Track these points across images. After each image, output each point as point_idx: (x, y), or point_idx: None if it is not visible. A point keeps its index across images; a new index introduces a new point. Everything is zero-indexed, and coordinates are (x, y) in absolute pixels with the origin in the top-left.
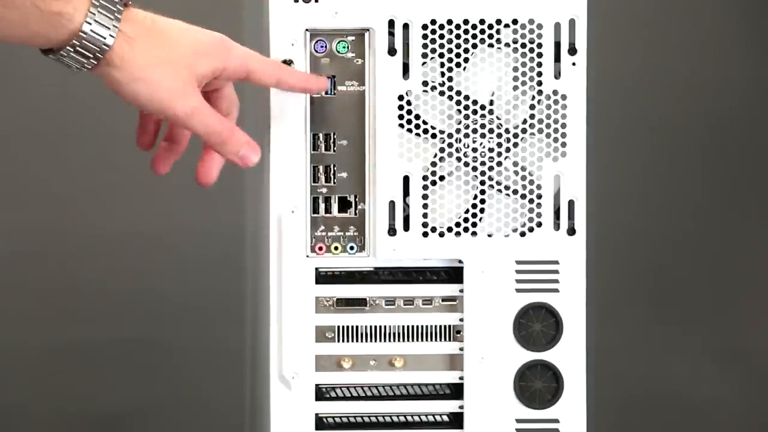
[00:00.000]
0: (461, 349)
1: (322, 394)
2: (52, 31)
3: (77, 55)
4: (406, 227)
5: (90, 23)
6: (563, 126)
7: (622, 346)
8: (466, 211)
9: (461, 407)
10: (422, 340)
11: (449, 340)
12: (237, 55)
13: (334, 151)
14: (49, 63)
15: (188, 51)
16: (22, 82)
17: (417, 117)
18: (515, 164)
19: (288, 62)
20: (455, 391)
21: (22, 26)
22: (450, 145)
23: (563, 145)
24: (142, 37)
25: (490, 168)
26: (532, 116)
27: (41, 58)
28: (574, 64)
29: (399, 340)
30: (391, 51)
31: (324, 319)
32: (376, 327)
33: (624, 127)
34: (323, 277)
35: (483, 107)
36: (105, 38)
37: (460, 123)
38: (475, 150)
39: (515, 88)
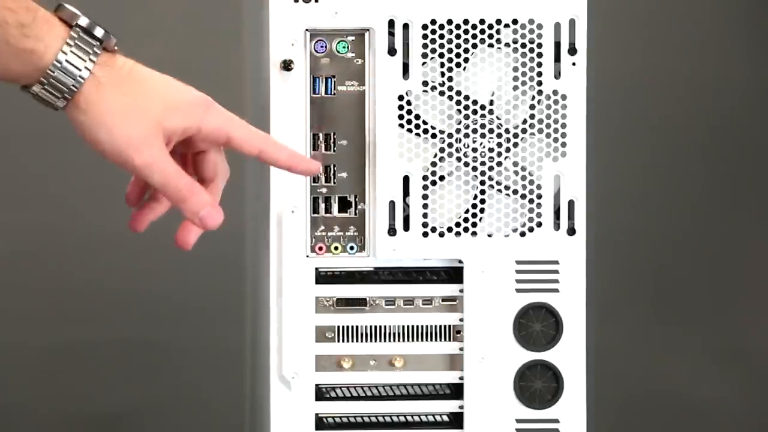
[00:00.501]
0: (461, 349)
1: (322, 394)
2: (22, 68)
3: (46, 93)
4: (406, 227)
5: (59, 63)
6: (563, 126)
7: (622, 346)
8: (466, 211)
9: (461, 407)
10: (422, 340)
11: (449, 340)
12: (216, 117)
13: (334, 151)
14: None
15: (160, 104)
16: None
17: (417, 117)
18: (515, 164)
19: (288, 62)
20: (455, 391)
21: None
22: (450, 145)
23: (563, 145)
24: (114, 84)
25: (490, 168)
26: (532, 116)
27: None
28: (574, 64)
29: (399, 340)
30: (391, 51)
31: (324, 319)
32: (376, 327)
33: (624, 127)
34: (323, 277)
35: (483, 107)
36: (74, 79)
37: (460, 123)
38: (475, 150)
39: (515, 88)
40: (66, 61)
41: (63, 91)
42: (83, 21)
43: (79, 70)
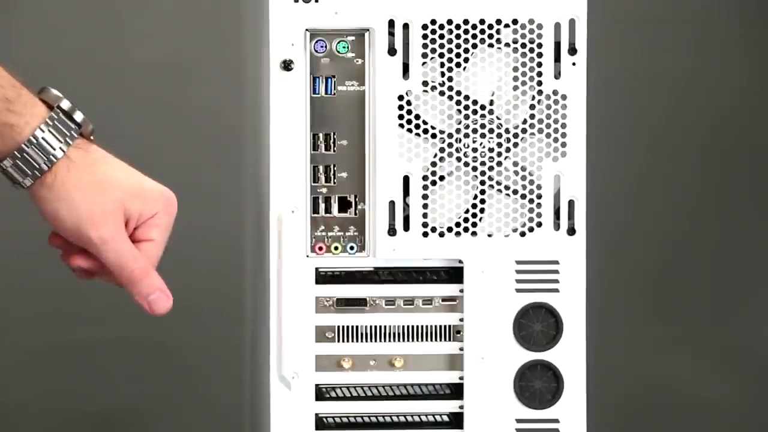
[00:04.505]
0: (461, 349)
1: (322, 394)
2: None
3: (15, 169)
4: (406, 227)
5: (34, 140)
6: (563, 126)
7: (622, 346)
8: (466, 211)
9: (461, 407)
10: (422, 340)
11: (449, 340)
12: (169, 214)
13: (334, 151)
14: (49, 65)
15: (125, 188)
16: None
17: (417, 117)
18: (515, 164)
19: (288, 62)
20: (455, 391)
21: None
22: (450, 145)
23: (563, 145)
24: (85, 165)
25: (490, 168)
26: (532, 116)
27: (41, 58)
28: (574, 64)
29: (399, 340)
30: (391, 51)
31: (324, 319)
32: (376, 327)
33: (624, 127)
34: (323, 277)
35: (483, 107)
36: (46, 158)
37: (460, 123)
38: (475, 150)
39: (515, 88)
40: (42, 138)
41: (33, 168)
42: (65, 104)
43: (53, 149)
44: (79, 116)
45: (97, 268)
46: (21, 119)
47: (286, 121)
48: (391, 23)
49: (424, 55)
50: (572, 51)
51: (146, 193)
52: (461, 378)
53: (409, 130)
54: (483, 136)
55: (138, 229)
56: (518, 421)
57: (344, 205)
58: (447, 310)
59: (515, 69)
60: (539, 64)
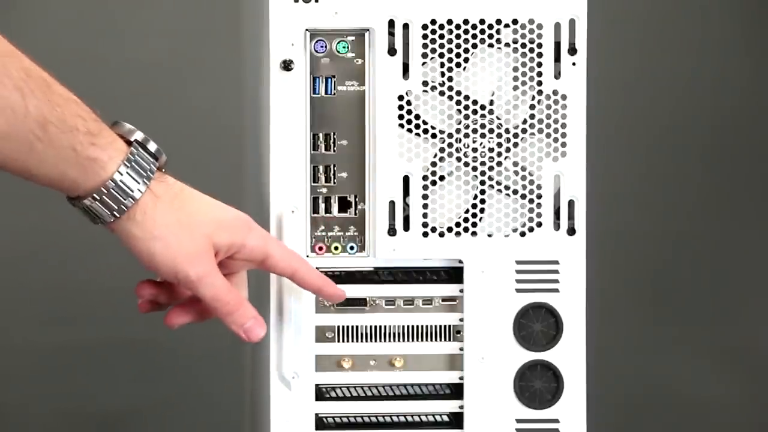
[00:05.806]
0: (461, 349)
1: (322, 394)
2: (82, 176)
3: (101, 204)
4: (406, 227)
5: (121, 174)
6: (563, 126)
7: (622, 346)
8: (466, 211)
9: (461, 407)
10: (422, 340)
11: (449, 340)
12: (258, 236)
13: (334, 151)
14: (48, 65)
15: (210, 220)
16: None
17: (417, 117)
18: (515, 164)
19: (288, 62)
20: (455, 391)
21: (52, 166)
22: (450, 145)
23: (563, 145)
24: (169, 199)
25: (490, 168)
26: (532, 116)
27: (40, 58)
28: (574, 64)
29: (399, 340)
30: (391, 51)
31: (324, 319)
32: (376, 327)
33: (624, 127)
34: None
35: (483, 107)
36: (132, 191)
37: (460, 123)
38: (475, 150)
39: (515, 88)
40: (127, 173)
41: (120, 202)
42: (140, 136)
43: (137, 182)
44: (152, 146)
45: (196, 316)
46: (104, 153)
47: (286, 121)
48: (391, 23)
49: (424, 55)
50: (572, 51)
51: (229, 222)
52: (461, 378)
53: (409, 130)
54: (483, 136)
55: (231, 260)
56: (518, 421)
57: (344, 205)
58: (447, 310)
59: (515, 69)
60: (539, 64)
